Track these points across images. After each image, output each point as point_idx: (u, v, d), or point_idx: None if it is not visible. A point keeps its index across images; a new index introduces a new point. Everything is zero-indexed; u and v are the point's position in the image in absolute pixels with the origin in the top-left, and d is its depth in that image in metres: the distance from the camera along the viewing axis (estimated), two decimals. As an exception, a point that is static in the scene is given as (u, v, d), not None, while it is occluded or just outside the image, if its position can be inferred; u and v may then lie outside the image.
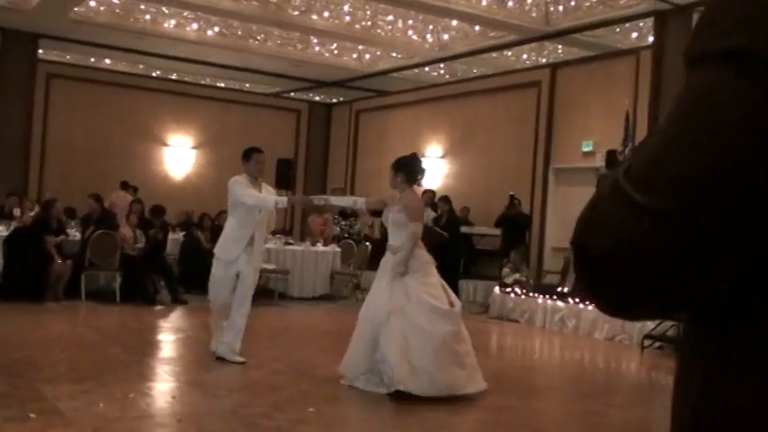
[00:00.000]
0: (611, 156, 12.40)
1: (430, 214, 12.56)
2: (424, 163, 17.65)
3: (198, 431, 4.77)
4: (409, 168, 6.47)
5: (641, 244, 0.75)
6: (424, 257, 6.29)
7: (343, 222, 16.48)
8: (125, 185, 15.03)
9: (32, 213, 11.37)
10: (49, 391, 5.40)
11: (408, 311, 5.96)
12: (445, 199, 12.58)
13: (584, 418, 5.77)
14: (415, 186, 6.58)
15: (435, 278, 6.27)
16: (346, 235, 15.69)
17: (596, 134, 13.69)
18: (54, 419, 4.73)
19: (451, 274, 12.20)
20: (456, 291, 12.28)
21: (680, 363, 0.88)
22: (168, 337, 8.69)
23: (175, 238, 13.24)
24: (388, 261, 6.29)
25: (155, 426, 4.87)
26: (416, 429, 5.24)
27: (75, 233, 11.33)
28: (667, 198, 0.74)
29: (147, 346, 7.90)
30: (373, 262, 7.58)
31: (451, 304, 6.14)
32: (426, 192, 12.82)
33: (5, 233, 10.69)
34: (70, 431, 4.54)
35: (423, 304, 6.00)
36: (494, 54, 15.29)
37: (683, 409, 0.85)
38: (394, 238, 6.35)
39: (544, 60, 15.28)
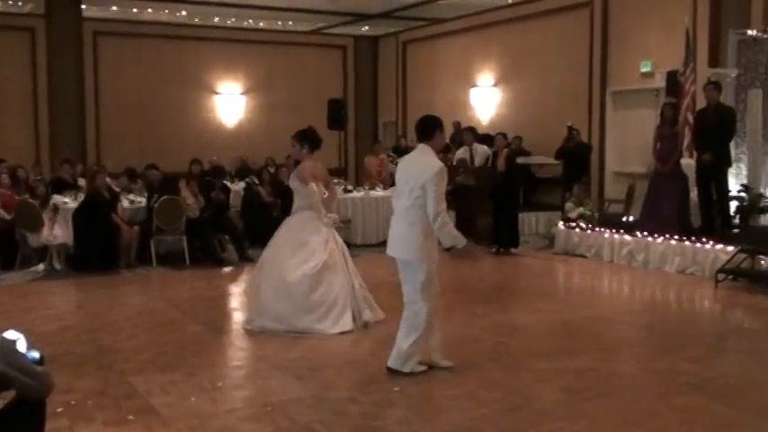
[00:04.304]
0: (671, 77, 11.98)
1: (484, 150, 12.37)
2: (477, 92, 17.41)
3: (288, 422, 4.86)
4: (312, 139, 7.35)
5: None
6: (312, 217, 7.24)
7: (398, 159, 16.36)
8: None
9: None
10: (140, 385, 5.55)
11: (271, 265, 7.19)
12: (504, 135, 12.35)
13: (669, 380, 5.73)
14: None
15: (317, 238, 7.17)
16: (403, 173, 15.58)
17: (654, 53, 13.24)
18: (151, 420, 4.87)
19: (511, 207, 12.05)
20: (516, 225, 12.20)
21: None
22: (242, 306, 8.82)
23: (235, 189, 13.35)
24: (288, 220, 7.43)
25: (248, 419, 4.96)
26: (501, 405, 5.28)
27: (139, 199, 11.50)
28: None
29: (224, 320, 8.05)
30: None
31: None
32: (455, 124, 12.52)
33: (72, 204, 10.89)
34: (168, 433, 4.67)
35: (284, 259, 7.10)
36: (543, -26, 14.78)
37: None
38: (295, 202, 7.39)
39: (596, -22, 14.68)
